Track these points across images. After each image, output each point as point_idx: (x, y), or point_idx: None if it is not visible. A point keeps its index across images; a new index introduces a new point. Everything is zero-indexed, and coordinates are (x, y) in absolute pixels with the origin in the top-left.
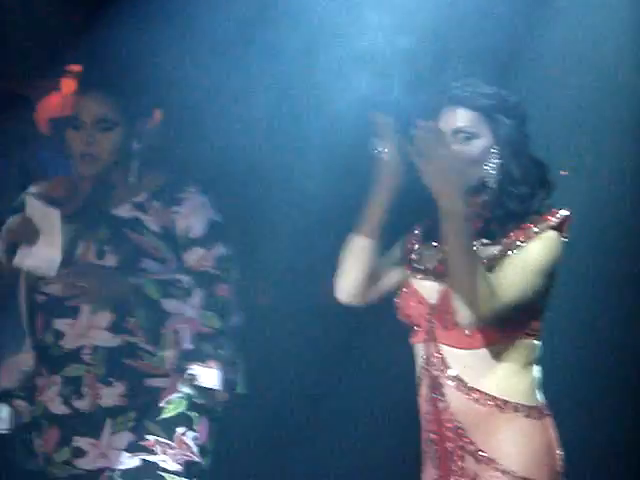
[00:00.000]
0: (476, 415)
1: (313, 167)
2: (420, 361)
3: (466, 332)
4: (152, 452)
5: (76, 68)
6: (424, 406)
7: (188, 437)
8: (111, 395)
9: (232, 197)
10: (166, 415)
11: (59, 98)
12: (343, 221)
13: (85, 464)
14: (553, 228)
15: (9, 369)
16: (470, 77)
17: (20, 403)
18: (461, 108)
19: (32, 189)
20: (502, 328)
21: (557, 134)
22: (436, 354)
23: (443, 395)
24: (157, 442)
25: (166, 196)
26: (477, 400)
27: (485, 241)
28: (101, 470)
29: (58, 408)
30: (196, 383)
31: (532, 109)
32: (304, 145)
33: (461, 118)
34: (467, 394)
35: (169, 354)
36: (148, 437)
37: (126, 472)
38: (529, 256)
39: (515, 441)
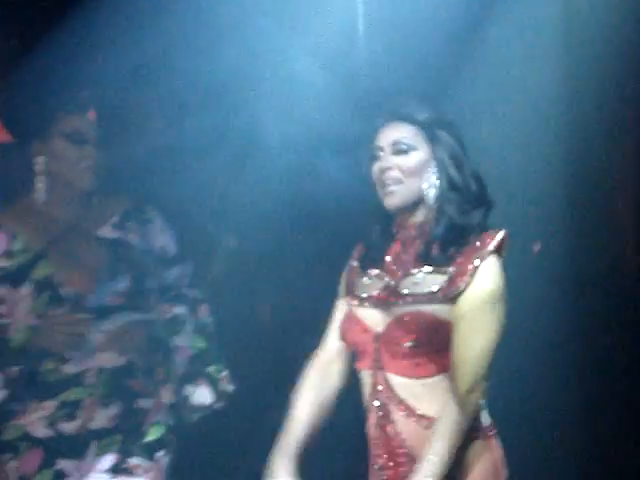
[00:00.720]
0: (426, 440)
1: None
2: (367, 388)
3: (415, 362)
4: (132, 474)
5: None
6: (373, 432)
7: (165, 460)
8: (103, 417)
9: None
10: (149, 438)
11: None
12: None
13: None
14: (493, 253)
15: None
16: (410, 95)
17: None
18: (400, 122)
19: None
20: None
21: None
22: (384, 382)
23: (392, 422)
24: (138, 465)
25: (136, 217)
26: (427, 427)
27: (428, 269)
28: None
29: (40, 431)
30: (189, 403)
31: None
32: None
33: (399, 131)
34: (416, 421)
35: (169, 386)
36: (130, 460)
37: None
38: (485, 306)
39: (465, 462)
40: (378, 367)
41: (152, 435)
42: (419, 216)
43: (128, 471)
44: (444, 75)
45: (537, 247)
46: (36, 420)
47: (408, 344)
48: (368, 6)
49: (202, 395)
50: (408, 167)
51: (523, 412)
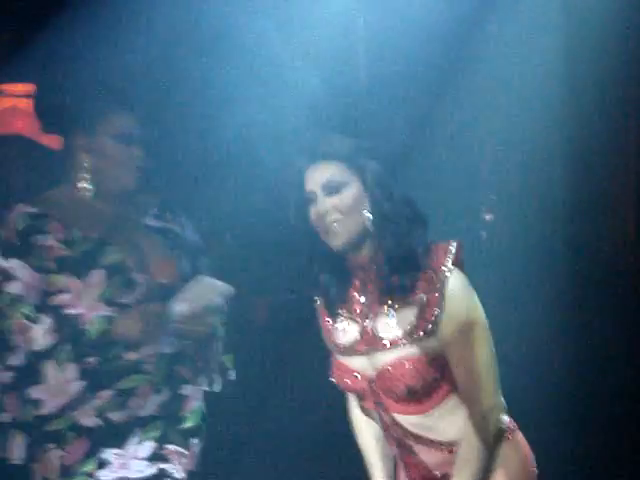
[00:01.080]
0: (450, 462)
1: None
2: (379, 424)
3: (415, 401)
4: (168, 461)
5: (6, 87)
6: (399, 461)
7: (197, 448)
8: (153, 404)
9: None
10: (187, 425)
11: None
12: None
13: (106, 475)
14: (452, 269)
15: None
16: (327, 132)
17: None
18: (325, 161)
19: (24, 207)
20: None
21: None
22: (392, 421)
23: (414, 454)
24: (175, 451)
25: (170, 210)
26: (450, 451)
27: (396, 304)
28: None
29: (90, 420)
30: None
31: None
32: None
33: (327, 171)
34: (437, 448)
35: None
36: (167, 446)
37: None
38: (470, 326)
39: (493, 467)
40: (382, 408)
41: (190, 422)
42: (368, 250)
43: (165, 457)
44: (444, 76)
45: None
46: (88, 410)
47: (402, 392)
48: (367, 7)
49: (217, 383)
50: (344, 205)
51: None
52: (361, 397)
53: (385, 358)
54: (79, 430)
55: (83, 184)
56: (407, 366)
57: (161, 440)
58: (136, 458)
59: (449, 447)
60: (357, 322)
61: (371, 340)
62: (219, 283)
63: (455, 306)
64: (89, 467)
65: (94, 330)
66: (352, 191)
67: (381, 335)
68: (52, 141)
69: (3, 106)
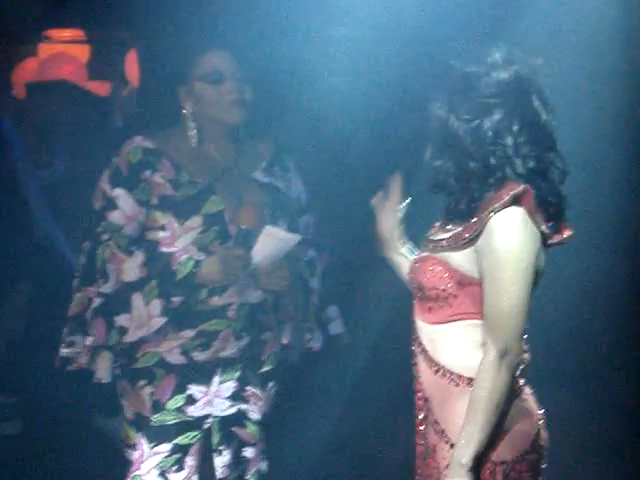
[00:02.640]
0: (437, 387)
1: None
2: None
3: (428, 307)
4: (247, 402)
5: (55, 33)
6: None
7: (273, 391)
8: (234, 348)
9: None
10: (265, 368)
11: (36, 63)
12: None
13: (193, 411)
14: (509, 205)
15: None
16: None
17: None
18: None
19: (141, 141)
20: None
21: None
22: (414, 326)
23: (416, 366)
24: (253, 393)
25: (279, 163)
26: (437, 372)
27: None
28: (205, 417)
29: (176, 358)
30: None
31: None
32: None
33: None
34: (430, 366)
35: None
36: (247, 388)
37: (223, 419)
38: (502, 258)
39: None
40: (413, 311)
41: (267, 366)
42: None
43: (245, 398)
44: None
45: None
46: (174, 347)
47: (415, 287)
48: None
49: (316, 338)
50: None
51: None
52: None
53: (420, 256)
54: (167, 367)
55: (189, 130)
56: (425, 264)
57: (241, 381)
58: (219, 397)
59: (437, 368)
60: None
61: (426, 241)
62: (287, 234)
63: (494, 240)
64: (178, 403)
65: (182, 271)
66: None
67: (432, 236)
68: (99, 88)
69: (51, 52)
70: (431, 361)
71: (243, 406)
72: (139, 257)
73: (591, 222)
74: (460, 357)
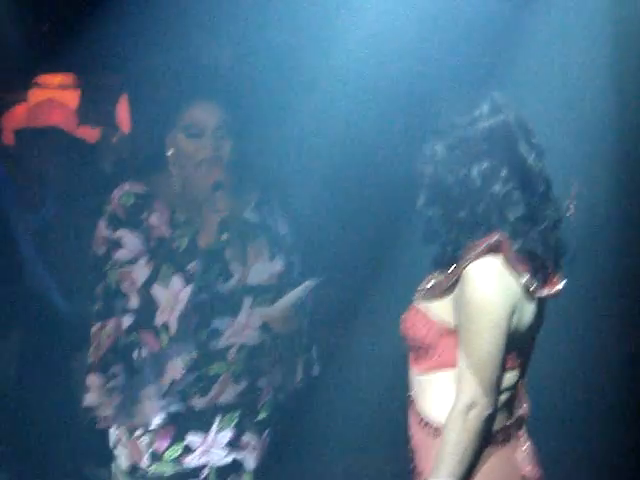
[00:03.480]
0: (421, 438)
1: None
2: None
3: (415, 356)
4: (243, 451)
5: (45, 79)
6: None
7: (268, 439)
8: (232, 393)
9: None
10: (261, 416)
11: (25, 109)
12: None
13: (190, 462)
14: (488, 253)
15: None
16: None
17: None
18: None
19: (130, 187)
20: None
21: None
22: (409, 380)
23: (409, 418)
24: (249, 442)
25: (266, 203)
26: (420, 423)
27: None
28: (201, 467)
29: (174, 406)
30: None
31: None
32: None
33: None
34: (415, 417)
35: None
36: (243, 436)
37: (219, 469)
38: (473, 309)
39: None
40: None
41: (263, 414)
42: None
43: (241, 447)
44: (487, 69)
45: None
46: (173, 396)
47: (403, 336)
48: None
49: (298, 376)
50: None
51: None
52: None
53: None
54: (166, 416)
55: (172, 177)
56: (410, 315)
57: (237, 429)
58: (216, 446)
59: (424, 422)
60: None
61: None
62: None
63: (467, 291)
64: (176, 453)
65: (182, 244)
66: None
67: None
68: (89, 134)
69: (40, 98)
70: (417, 412)
71: (239, 455)
72: (142, 260)
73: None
74: (440, 409)
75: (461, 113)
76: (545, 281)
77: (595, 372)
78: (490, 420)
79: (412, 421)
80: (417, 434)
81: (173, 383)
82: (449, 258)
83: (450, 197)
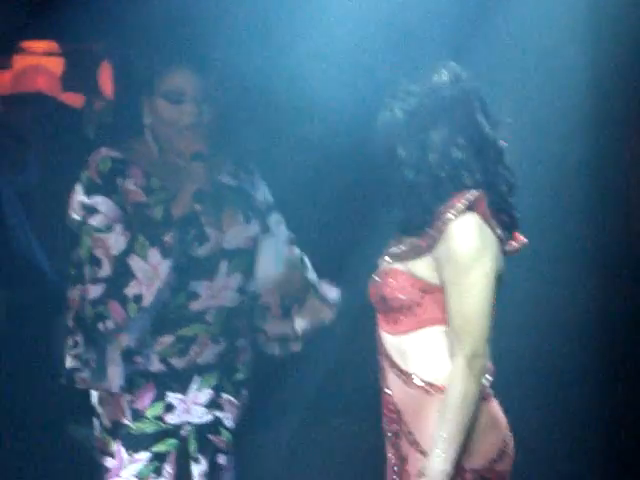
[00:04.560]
0: (409, 397)
1: None
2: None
3: (394, 318)
4: (222, 409)
5: (29, 45)
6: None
7: (247, 399)
8: (210, 354)
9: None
10: (240, 376)
11: (10, 75)
12: None
13: (172, 419)
14: (466, 210)
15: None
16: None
17: (138, 359)
18: None
19: (107, 151)
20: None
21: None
22: (380, 340)
23: (385, 379)
24: (228, 401)
25: (243, 167)
26: (407, 382)
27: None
28: (182, 425)
29: (155, 366)
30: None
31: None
32: None
33: None
34: (400, 377)
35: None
36: (223, 395)
37: (199, 426)
38: (463, 264)
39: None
40: (378, 324)
41: (242, 374)
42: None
43: (220, 406)
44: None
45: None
46: (152, 354)
47: (378, 301)
48: None
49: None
50: None
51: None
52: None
53: (382, 269)
54: (146, 375)
55: (150, 142)
56: (389, 278)
57: (217, 388)
58: (196, 404)
59: (407, 379)
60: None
61: (386, 254)
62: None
63: (455, 246)
64: (157, 411)
65: (158, 212)
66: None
67: (391, 249)
68: (74, 100)
69: (25, 64)
70: (401, 372)
71: (218, 413)
72: (118, 227)
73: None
74: (430, 365)
75: (419, 80)
76: (510, 236)
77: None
78: (486, 371)
79: (394, 383)
80: (403, 395)
81: (141, 347)
82: (419, 221)
83: (410, 161)
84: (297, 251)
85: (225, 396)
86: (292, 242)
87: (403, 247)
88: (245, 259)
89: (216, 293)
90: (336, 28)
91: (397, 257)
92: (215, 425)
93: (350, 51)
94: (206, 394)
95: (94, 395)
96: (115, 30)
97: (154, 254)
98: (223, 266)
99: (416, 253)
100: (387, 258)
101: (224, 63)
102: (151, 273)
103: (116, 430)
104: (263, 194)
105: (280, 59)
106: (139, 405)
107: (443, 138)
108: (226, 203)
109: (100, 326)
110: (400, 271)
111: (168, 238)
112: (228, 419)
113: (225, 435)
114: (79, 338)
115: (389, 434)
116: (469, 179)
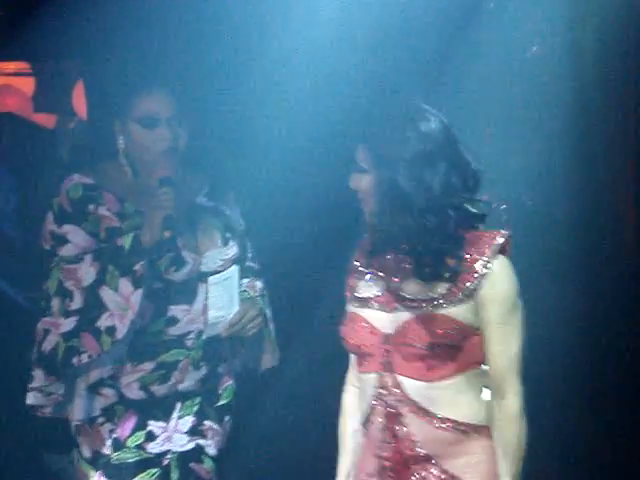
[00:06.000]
0: (441, 440)
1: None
2: (372, 391)
3: (428, 365)
4: (204, 437)
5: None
6: (376, 434)
7: (228, 425)
8: (192, 380)
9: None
10: (222, 402)
11: None
12: None
13: (153, 448)
14: (498, 253)
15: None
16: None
17: (108, 391)
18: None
19: (79, 178)
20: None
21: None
22: (394, 385)
23: (403, 424)
24: (210, 428)
25: (219, 190)
26: (440, 427)
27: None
28: (164, 453)
29: (136, 394)
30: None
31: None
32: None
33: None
34: (430, 422)
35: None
36: (205, 422)
37: (181, 455)
38: (511, 305)
39: (479, 460)
40: (388, 369)
41: (224, 399)
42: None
43: (202, 433)
44: (438, 67)
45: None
46: (132, 382)
47: (421, 347)
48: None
49: (267, 361)
50: (366, 187)
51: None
52: (364, 358)
53: (412, 312)
54: (126, 403)
55: (123, 166)
56: (434, 321)
57: (199, 415)
58: (178, 432)
59: (440, 423)
60: (384, 280)
61: (397, 297)
62: (227, 272)
63: (501, 289)
64: (138, 440)
65: (127, 241)
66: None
67: (408, 295)
68: (46, 120)
69: None
70: (430, 416)
71: (201, 441)
72: (87, 257)
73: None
74: (466, 407)
75: (408, 127)
76: None
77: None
78: None
79: (418, 428)
80: (433, 438)
81: (114, 379)
82: (437, 266)
83: (416, 206)
84: (258, 288)
85: (207, 423)
86: (254, 275)
87: (434, 294)
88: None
89: (195, 317)
90: (312, 53)
91: (432, 304)
92: (197, 453)
93: (327, 76)
94: (188, 421)
95: (73, 425)
96: (87, 51)
97: (125, 284)
98: (202, 290)
99: (456, 299)
100: (406, 303)
101: (199, 85)
102: (123, 304)
103: (96, 460)
104: (237, 217)
105: (257, 82)
106: (120, 434)
107: (442, 177)
108: (202, 225)
109: (75, 360)
110: (444, 316)
111: (139, 267)
112: (210, 446)
113: (207, 463)
114: (40, 372)
115: (397, 467)
116: (471, 213)
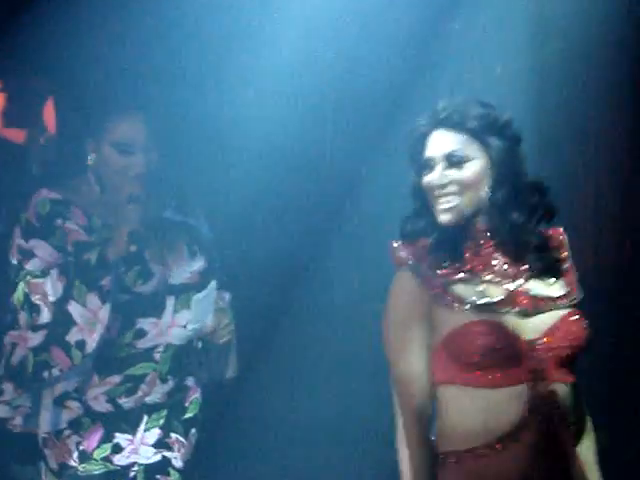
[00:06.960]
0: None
1: None
2: (521, 406)
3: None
4: (171, 449)
5: None
6: (525, 452)
7: (194, 438)
8: (159, 393)
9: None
10: (188, 415)
11: None
12: None
13: (120, 460)
14: None
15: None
16: (459, 98)
17: (73, 404)
18: (449, 131)
19: (47, 193)
20: None
21: None
22: (547, 392)
23: (550, 437)
24: (177, 440)
25: (187, 203)
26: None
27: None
28: (130, 465)
29: (103, 406)
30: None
31: None
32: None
33: (450, 142)
34: (566, 428)
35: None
36: (172, 434)
37: (148, 467)
38: None
39: None
40: (540, 378)
41: (190, 412)
42: (481, 223)
43: (169, 446)
44: (405, 90)
45: None
46: (99, 395)
47: (577, 348)
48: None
49: (231, 371)
50: (465, 180)
51: None
52: (502, 366)
53: (552, 317)
54: (93, 416)
55: (92, 183)
56: (581, 323)
57: (165, 428)
58: (144, 444)
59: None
60: (494, 282)
61: (527, 300)
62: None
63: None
64: (105, 452)
65: (93, 257)
66: (475, 167)
67: (543, 294)
68: (15, 135)
69: None
70: (568, 423)
71: (167, 453)
72: (54, 272)
73: None
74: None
75: (494, 113)
76: None
77: None
78: None
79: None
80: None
81: (81, 391)
82: (551, 261)
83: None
84: (226, 299)
85: (174, 436)
86: (223, 286)
87: (561, 292)
88: (192, 295)
89: (164, 330)
90: (286, 69)
91: (566, 302)
92: (164, 466)
93: (301, 94)
94: (154, 434)
95: (40, 437)
96: (59, 68)
97: (93, 299)
98: (170, 302)
99: (572, 295)
100: (545, 302)
101: (169, 102)
102: (92, 319)
103: (63, 472)
104: (206, 230)
105: (225, 95)
106: (86, 446)
107: (520, 170)
108: (169, 238)
109: (45, 374)
110: (577, 316)
111: (105, 282)
112: (177, 459)
113: (174, 476)
114: (9, 385)
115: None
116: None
